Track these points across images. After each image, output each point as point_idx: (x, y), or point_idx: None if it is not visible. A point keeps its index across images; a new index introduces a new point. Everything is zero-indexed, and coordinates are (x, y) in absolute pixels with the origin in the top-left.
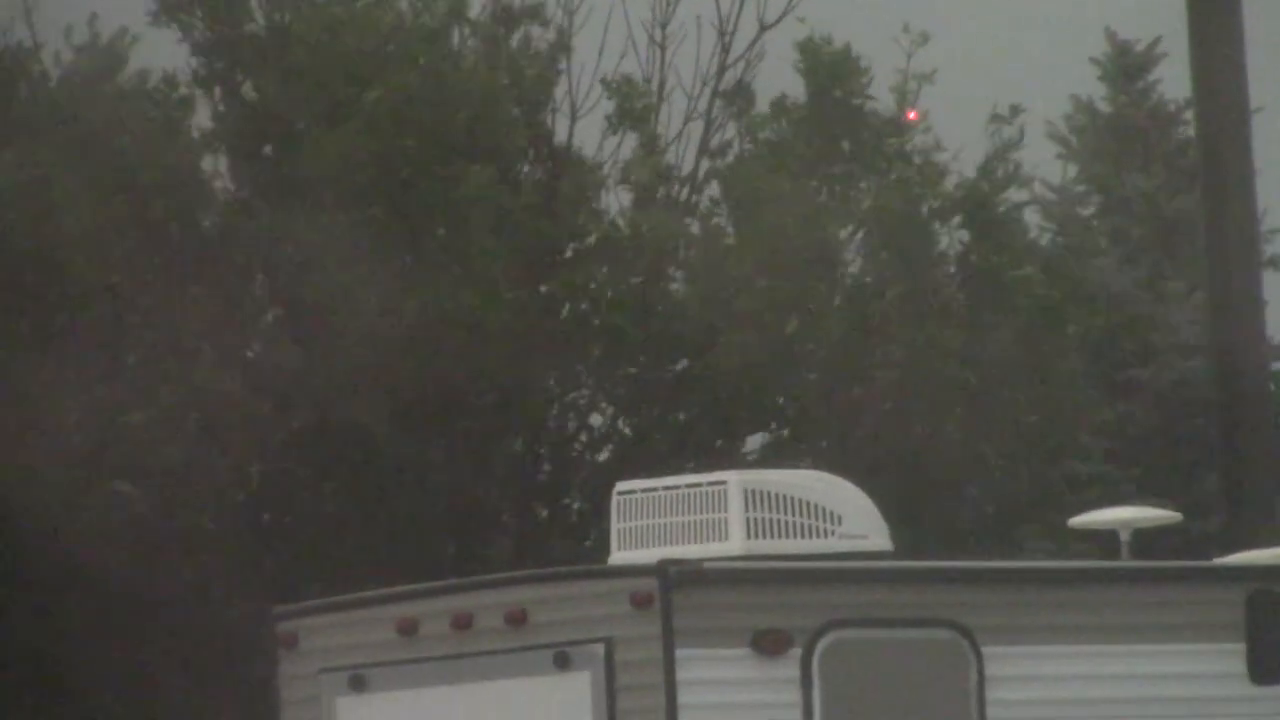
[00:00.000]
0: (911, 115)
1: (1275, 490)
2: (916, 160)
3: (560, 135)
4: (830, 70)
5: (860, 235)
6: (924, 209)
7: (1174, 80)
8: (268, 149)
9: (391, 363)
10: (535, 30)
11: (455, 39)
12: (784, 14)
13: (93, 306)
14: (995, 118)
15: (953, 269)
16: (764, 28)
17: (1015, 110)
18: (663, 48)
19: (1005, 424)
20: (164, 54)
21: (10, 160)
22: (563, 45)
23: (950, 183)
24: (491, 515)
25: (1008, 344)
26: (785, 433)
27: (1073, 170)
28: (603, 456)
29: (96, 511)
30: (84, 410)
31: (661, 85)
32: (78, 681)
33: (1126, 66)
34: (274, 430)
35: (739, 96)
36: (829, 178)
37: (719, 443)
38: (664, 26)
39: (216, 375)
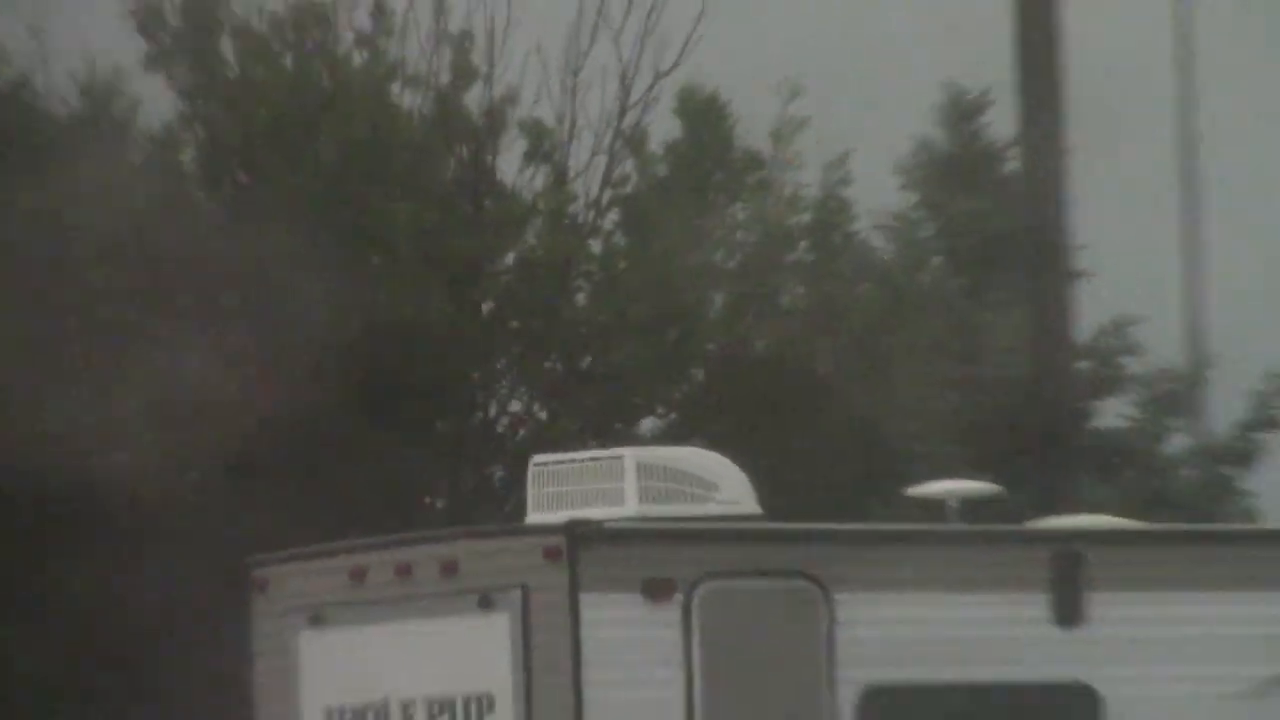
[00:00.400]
0: (789, 159)
1: (1078, 468)
2: (776, 193)
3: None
4: (701, 114)
5: (734, 256)
6: (778, 233)
7: (1001, 120)
8: (241, 178)
9: (342, 363)
10: (465, 75)
11: (396, 88)
12: (674, 65)
13: (99, 308)
14: (830, 165)
15: (801, 289)
16: (659, 75)
17: (845, 155)
18: (574, 93)
19: (855, 413)
20: (152, 92)
21: (27, 188)
22: (494, 103)
23: (802, 211)
24: (427, 484)
25: (848, 347)
26: (673, 416)
27: (914, 198)
28: (520, 435)
29: (104, 473)
30: (93, 395)
31: (572, 124)
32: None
33: (963, 109)
34: (245, 415)
35: (634, 137)
36: (704, 207)
37: (618, 426)
38: (576, 74)
39: (200, 370)
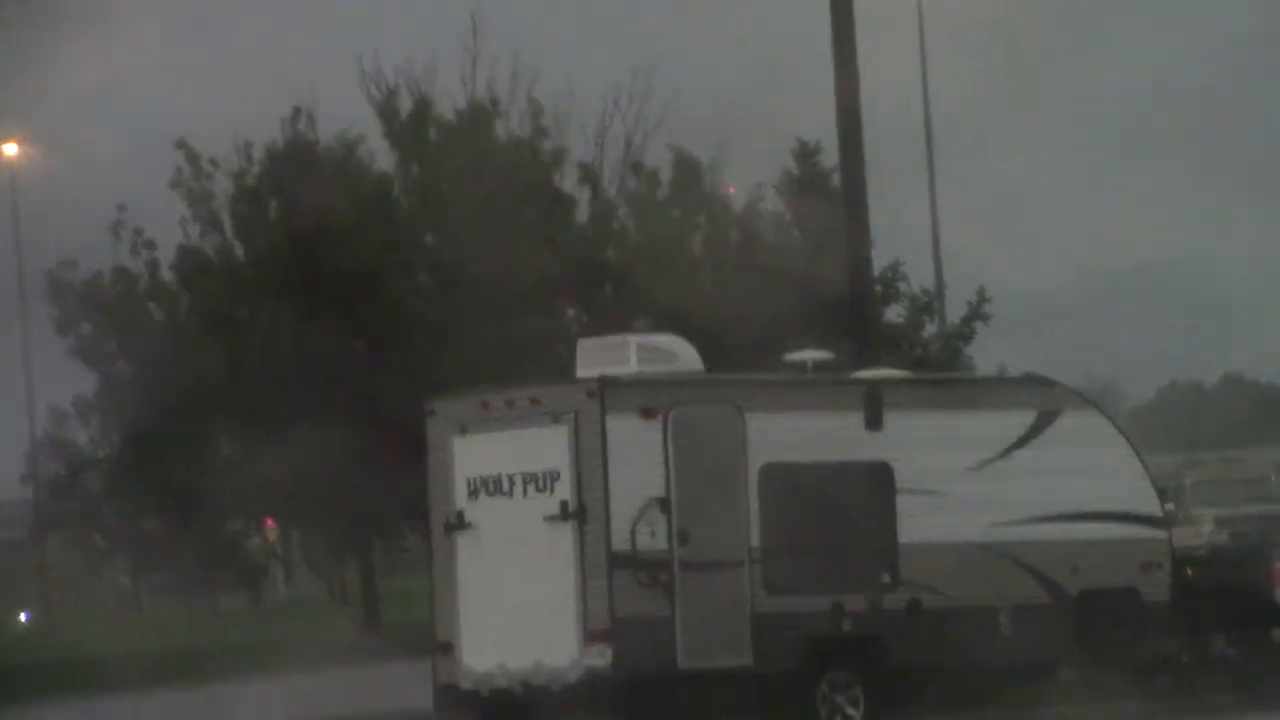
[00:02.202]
0: (731, 190)
1: (876, 345)
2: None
3: None
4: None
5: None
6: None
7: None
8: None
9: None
10: None
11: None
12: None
13: None
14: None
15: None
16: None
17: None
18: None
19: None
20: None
21: None
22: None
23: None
24: (525, 358)
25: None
26: (645, 325)
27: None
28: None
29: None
30: None
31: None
32: None
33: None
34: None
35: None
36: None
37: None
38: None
39: None
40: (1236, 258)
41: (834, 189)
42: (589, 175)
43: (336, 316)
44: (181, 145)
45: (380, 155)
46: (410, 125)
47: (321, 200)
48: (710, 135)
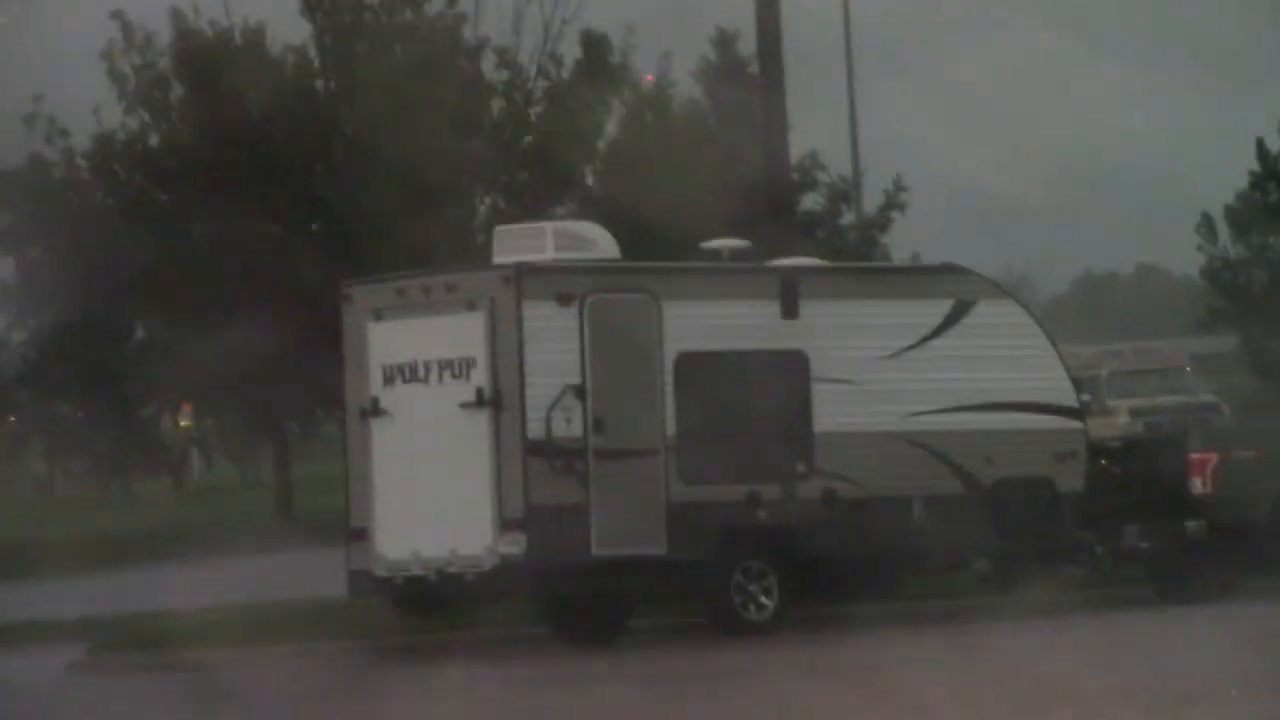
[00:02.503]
0: (649, 78)
1: (793, 232)
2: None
3: None
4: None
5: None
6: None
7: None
8: None
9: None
10: None
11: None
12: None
13: None
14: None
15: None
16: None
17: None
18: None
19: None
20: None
21: None
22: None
23: None
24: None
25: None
26: (566, 213)
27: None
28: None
29: None
30: None
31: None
32: None
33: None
34: None
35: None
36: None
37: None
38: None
39: None
40: (1157, 150)
41: (753, 76)
42: (506, 60)
43: (254, 201)
44: (117, 15)
45: (298, 34)
46: (327, 2)
47: (237, 83)
48: (626, 20)
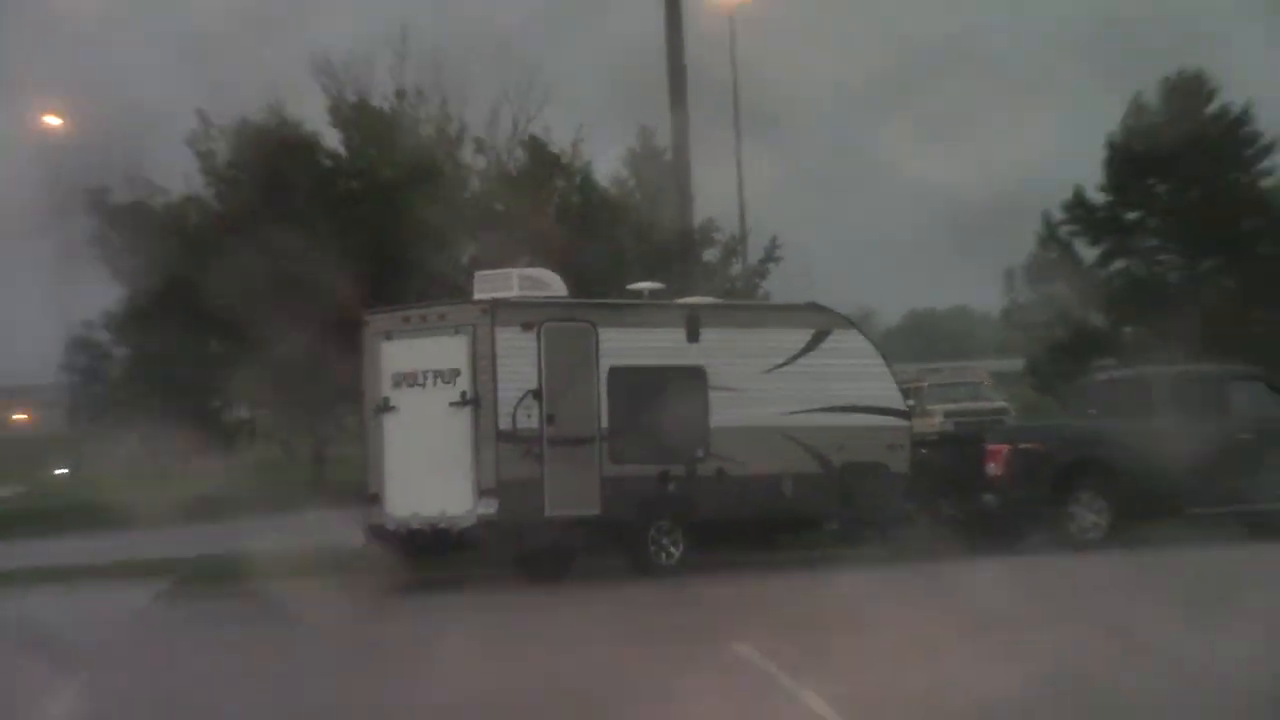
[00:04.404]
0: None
1: (696, 277)
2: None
3: None
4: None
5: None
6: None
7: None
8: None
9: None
10: None
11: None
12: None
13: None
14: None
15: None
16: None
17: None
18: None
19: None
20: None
21: None
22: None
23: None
24: (443, 288)
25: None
26: (528, 261)
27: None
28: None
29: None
30: None
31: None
32: None
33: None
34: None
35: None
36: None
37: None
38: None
39: None
40: (974, 208)
41: (666, 162)
42: (482, 148)
43: (297, 250)
44: (199, 112)
45: (328, 132)
46: (352, 113)
47: (286, 164)
48: (577, 116)
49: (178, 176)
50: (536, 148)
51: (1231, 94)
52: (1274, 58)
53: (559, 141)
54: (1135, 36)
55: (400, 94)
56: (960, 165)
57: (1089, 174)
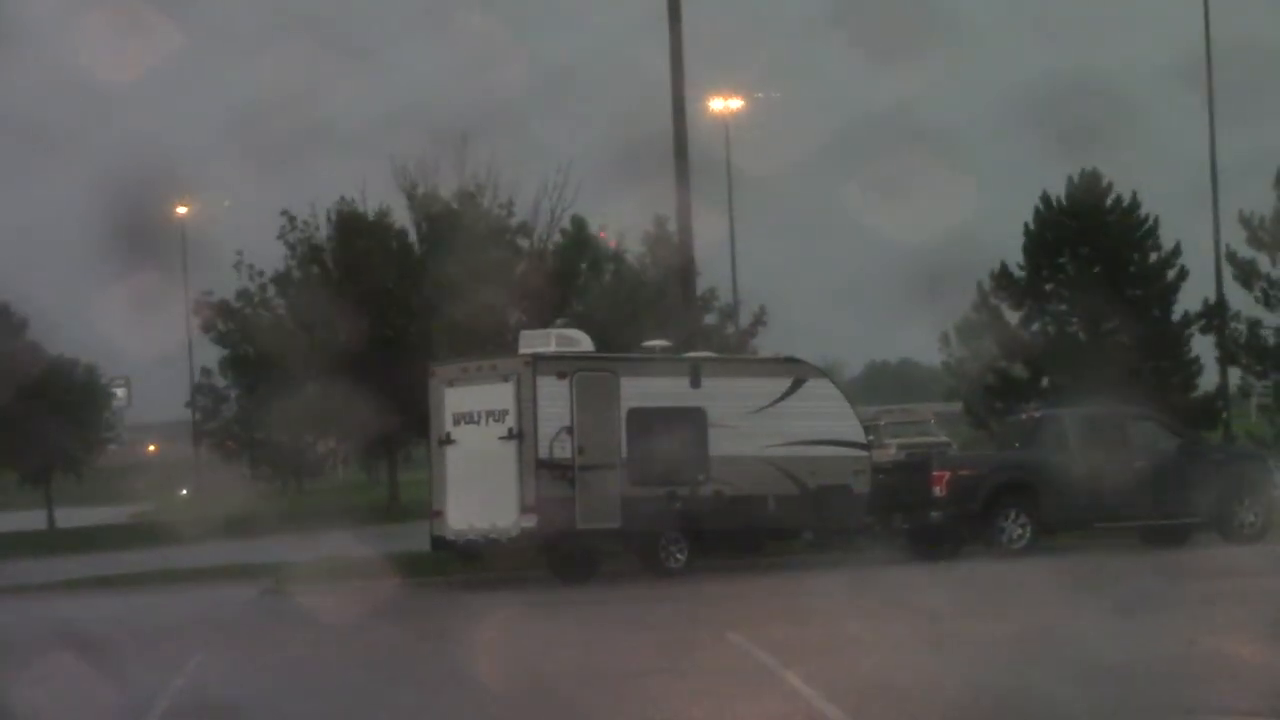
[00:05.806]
0: (602, 234)
1: (697, 336)
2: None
3: None
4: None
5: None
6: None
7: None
8: None
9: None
10: None
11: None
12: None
13: None
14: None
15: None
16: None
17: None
18: None
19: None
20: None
21: None
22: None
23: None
24: (490, 346)
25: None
26: (562, 323)
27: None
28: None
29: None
30: None
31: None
32: None
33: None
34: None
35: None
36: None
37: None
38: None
39: None
40: (919, 270)
41: (675, 245)
42: (527, 232)
43: (378, 315)
44: (285, 212)
45: (404, 220)
46: (423, 203)
47: (365, 245)
48: (604, 205)
49: (269, 262)
50: (579, 227)
51: (1121, 186)
52: (1160, 147)
53: (590, 222)
54: (1056, 120)
55: (465, 194)
56: (912, 231)
57: (1018, 240)
